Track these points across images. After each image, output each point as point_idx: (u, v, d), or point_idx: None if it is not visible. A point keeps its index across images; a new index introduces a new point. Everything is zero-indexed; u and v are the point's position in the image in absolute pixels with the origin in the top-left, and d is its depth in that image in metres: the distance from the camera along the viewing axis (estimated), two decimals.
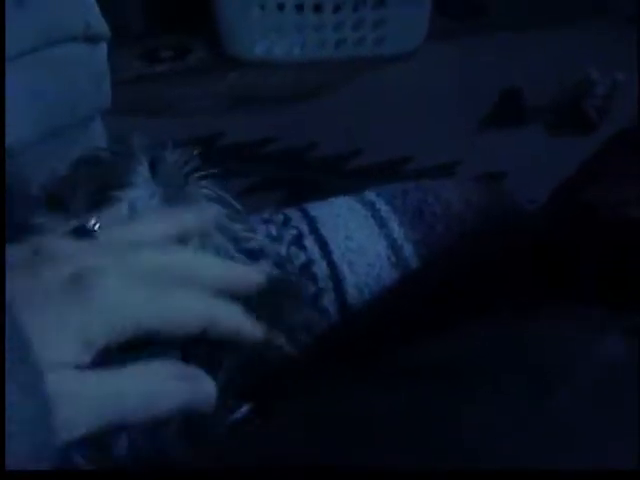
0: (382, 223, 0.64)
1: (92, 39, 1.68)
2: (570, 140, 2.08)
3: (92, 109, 1.76)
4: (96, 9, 1.65)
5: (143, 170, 0.54)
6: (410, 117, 2.24)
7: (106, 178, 0.54)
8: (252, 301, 0.50)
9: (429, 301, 0.56)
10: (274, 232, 0.63)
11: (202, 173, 0.57)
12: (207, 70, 2.59)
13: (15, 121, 1.58)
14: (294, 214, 0.64)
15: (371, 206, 0.65)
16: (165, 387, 0.45)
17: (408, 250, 0.62)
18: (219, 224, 0.56)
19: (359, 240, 0.61)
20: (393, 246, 0.62)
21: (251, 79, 2.50)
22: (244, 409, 0.50)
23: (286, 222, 0.64)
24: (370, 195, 0.67)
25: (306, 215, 0.64)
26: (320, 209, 0.65)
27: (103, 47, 1.70)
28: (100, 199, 0.53)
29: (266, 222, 0.63)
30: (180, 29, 2.70)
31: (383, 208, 0.65)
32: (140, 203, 0.53)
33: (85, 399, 0.42)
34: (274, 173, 2.11)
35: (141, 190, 0.54)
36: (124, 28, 2.38)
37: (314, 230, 0.62)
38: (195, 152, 0.58)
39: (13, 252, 0.45)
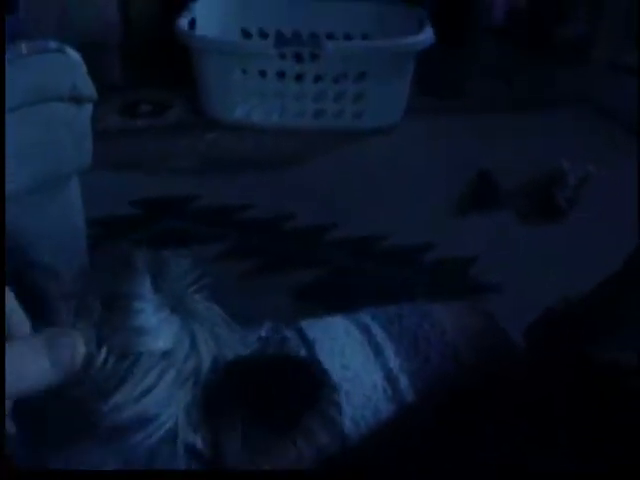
0: (378, 350, 0.64)
1: (78, 100, 1.69)
2: (540, 227, 2.11)
3: (73, 168, 1.76)
4: (83, 71, 1.66)
5: (147, 285, 0.55)
6: (387, 192, 2.26)
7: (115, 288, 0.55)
8: None
9: (426, 434, 0.57)
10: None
11: (199, 285, 0.58)
12: (186, 128, 2.61)
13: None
14: (292, 334, 0.65)
15: (366, 330, 0.66)
16: (27, 364, 0.45)
17: (404, 382, 0.63)
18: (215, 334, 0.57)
19: (355, 369, 0.62)
20: (389, 377, 0.63)
21: (229, 142, 2.52)
22: None
23: (283, 342, 0.64)
24: (365, 318, 0.68)
25: (304, 338, 0.64)
26: (317, 331, 0.65)
27: (88, 108, 1.71)
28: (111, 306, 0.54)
29: (263, 341, 0.64)
30: (161, 84, 2.72)
31: (379, 334, 0.66)
32: (149, 314, 0.54)
33: None
34: (249, 240, 2.12)
35: (149, 302, 0.54)
36: (104, 80, 2.39)
37: (312, 355, 0.63)
38: (193, 264, 0.59)
39: None
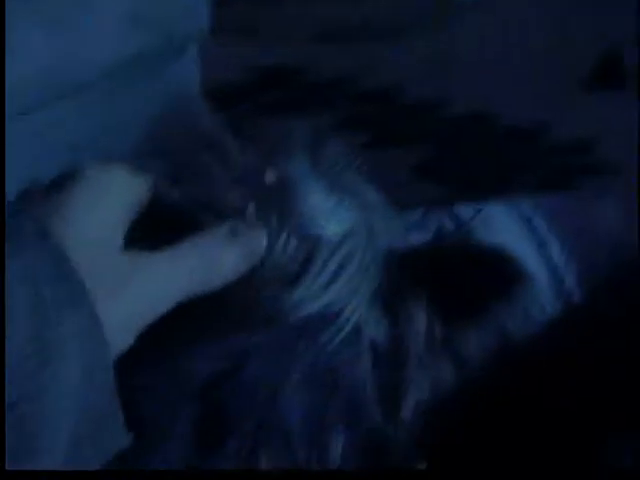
0: (541, 243, 0.61)
1: None
2: None
3: (188, 34, 1.73)
4: None
5: (307, 163, 0.52)
6: (504, 66, 2.18)
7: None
8: None
9: (592, 338, 0.53)
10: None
11: (357, 166, 0.54)
12: None
13: (111, 40, 1.56)
14: (448, 222, 0.62)
15: (528, 222, 0.62)
16: (219, 256, 0.46)
17: (570, 281, 0.59)
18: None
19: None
20: (554, 274, 0.59)
21: (345, 9, 2.44)
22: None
23: (440, 231, 0.61)
24: (526, 208, 0.64)
25: (461, 227, 0.61)
26: (474, 219, 0.62)
27: None
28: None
29: (419, 228, 0.61)
30: None
31: (542, 226, 0.62)
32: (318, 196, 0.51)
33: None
34: (362, 112, 2.07)
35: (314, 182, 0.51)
36: None
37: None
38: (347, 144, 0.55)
39: None
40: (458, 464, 0.51)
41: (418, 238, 0.60)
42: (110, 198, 0.46)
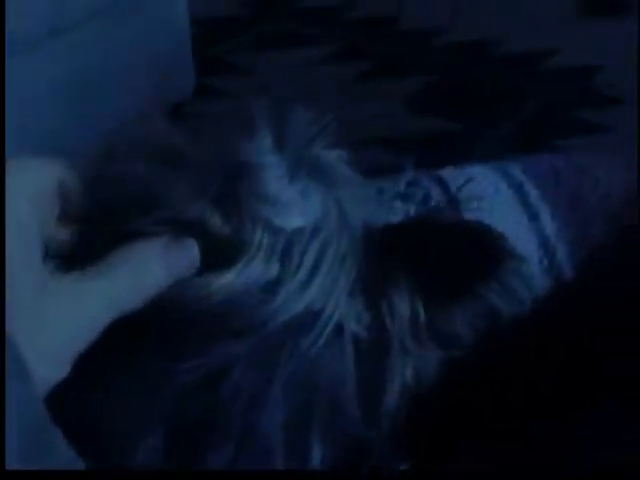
0: (533, 214, 0.57)
1: None
2: None
3: None
4: None
5: (267, 142, 0.48)
6: None
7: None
8: None
9: (585, 317, 0.51)
10: (412, 211, 0.57)
11: (327, 135, 0.51)
12: None
13: None
14: (434, 189, 0.58)
15: (519, 188, 0.59)
16: (149, 270, 0.45)
17: (562, 253, 0.56)
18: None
19: (506, 234, 0.55)
20: (545, 246, 0.56)
21: None
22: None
23: (426, 200, 0.58)
24: (516, 171, 0.60)
25: (448, 193, 0.58)
26: (462, 185, 0.59)
27: None
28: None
29: (403, 198, 0.58)
30: None
31: (532, 192, 0.59)
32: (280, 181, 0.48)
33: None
34: (357, 41, 2.02)
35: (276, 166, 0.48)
36: None
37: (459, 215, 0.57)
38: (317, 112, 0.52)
39: None
40: (444, 455, 0.49)
41: (403, 209, 0.57)
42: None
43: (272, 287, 0.45)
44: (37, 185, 0.44)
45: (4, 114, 1.14)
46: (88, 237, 0.46)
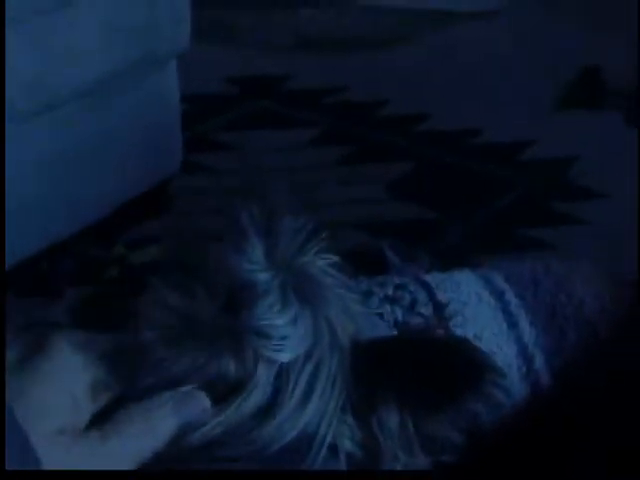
0: (512, 322, 0.61)
1: None
2: None
3: (171, 50, 1.72)
4: None
5: (258, 253, 0.52)
6: (484, 83, 2.18)
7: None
8: None
9: (563, 425, 0.54)
10: (399, 315, 0.61)
11: (317, 244, 0.54)
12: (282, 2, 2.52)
13: (92, 55, 1.56)
14: (421, 295, 0.62)
15: (500, 297, 0.63)
16: (164, 427, 0.48)
17: (539, 361, 0.59)
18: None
19: (488, 342, 0.59)
20: (524, 354, 0.60)
21: (325, 20, 2.44)
22: None
23: (413, 305, 0.61)
24: (498, 281, 0.64)
25: (434, 300, 0.61)
26: (448, 291, 0.62)
27: None
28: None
29: (390, 302, 0.61)
30: None
31: (513, 301, 0.62)
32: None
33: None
34: (340, 126, 2.07)
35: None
36: None
37: (444, 322, 0.60)
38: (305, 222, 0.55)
39: None
40: None
41: (391, 315, 0.60)
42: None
43: (268, 413, 0.48)
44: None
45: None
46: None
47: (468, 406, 0.52)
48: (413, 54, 2.31)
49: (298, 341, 0.49)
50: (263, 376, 0.48)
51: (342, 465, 0.49)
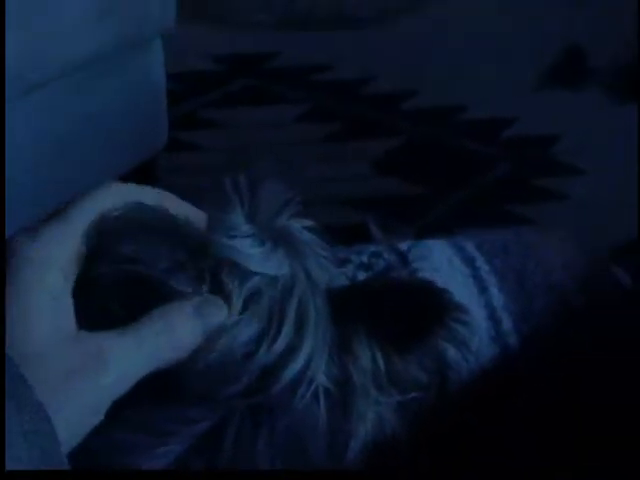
0: (483, 287, 0.63)
1: None
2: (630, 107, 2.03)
3: (157, 28, 1.73)
4: None
5: (240, 216, 0.53)
6: (469, 61, 2.19)
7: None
8: None
9: (529, 386, 0.56)
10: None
11: (293, 207, 0.56)
12: None
13: (76, 35, 1.56)
14: (394, 260, 0.64)
15: (471, 263, 0.65)
16: (185, 329, 0.48)
17: (507, 324, 0.62)
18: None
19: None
20: (493, 317, 0.62)
21: None
22: None
23: (388, 270, 0.63)
24: (470, 247, 0.66)
25: (407, 265, 0.63)
26: (420, 258, 0.64)
27: None
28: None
29: (365, 267, 0.63)
30: None
31: (483, 267, 0.64)
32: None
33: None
34: (327, 103, 2.08)
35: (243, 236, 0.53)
36: None
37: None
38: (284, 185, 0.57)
39: None
40: None
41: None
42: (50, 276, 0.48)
43: (261, 345, 0.50)
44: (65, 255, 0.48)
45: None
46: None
47: (434, 342, 0.54)
48: (398, 34, 2.32)
49: (277, 265, 0.50)
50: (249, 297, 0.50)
51: (320, 402, 0.51)
